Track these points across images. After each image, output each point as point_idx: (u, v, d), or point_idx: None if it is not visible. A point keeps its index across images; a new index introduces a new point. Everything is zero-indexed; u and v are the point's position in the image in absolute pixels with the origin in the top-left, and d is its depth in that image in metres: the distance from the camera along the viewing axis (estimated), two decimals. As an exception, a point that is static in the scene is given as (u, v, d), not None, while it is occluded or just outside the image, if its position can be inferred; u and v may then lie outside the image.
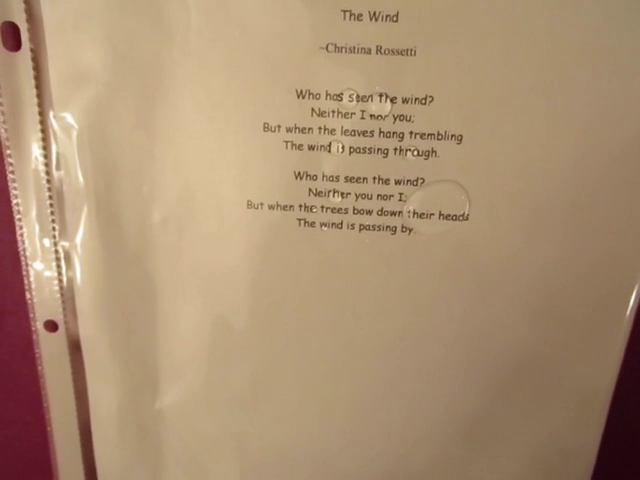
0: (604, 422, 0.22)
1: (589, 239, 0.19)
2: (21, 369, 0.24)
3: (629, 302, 0.20)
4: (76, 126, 0.19)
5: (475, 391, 0.22)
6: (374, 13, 0.17)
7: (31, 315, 0.21)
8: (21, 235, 0.20)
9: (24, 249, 0.21)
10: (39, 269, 0.21)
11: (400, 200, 0.19)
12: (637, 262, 0.20)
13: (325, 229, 0.19)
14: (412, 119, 0.18)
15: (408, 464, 0.23)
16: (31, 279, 0.21)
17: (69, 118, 0.19)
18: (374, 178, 0.19)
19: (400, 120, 0.18)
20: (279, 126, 0.18)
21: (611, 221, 0.19)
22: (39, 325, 0.21)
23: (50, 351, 0.22)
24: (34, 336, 0.22)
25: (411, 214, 0.19)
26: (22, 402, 0.25)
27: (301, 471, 0.23)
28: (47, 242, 0.21)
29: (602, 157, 0.18)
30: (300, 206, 0.19)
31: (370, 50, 0.17)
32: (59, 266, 0.21)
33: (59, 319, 0.21)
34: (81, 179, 0.19)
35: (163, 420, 0.23)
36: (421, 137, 0.18)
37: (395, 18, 0.17)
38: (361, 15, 0.17)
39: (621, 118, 0.18)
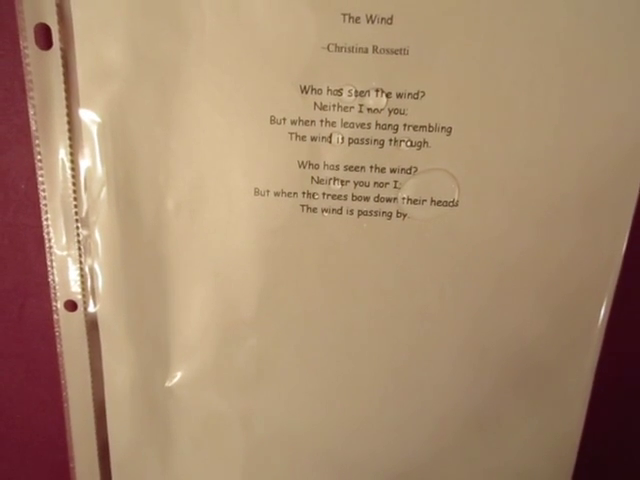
0: (585, 409, 0.23)
1: (570, 226, 0.20)
2: (41, 349, 0.26)
3: (602, 303, 0.21)
4: (99, 119, 0.20)
5: (469, 371, 0.23)
6: (371, 16, 0.18)
7: (52, 295, 0.23)
8: (46, 219, 0.22)
9: (48, 233, 0.22)
10: (61, 252, 0.22)
11: (395, 187, 0.20)
12: (614, 258, 0.21)
13: (326, 214, 0.21)
14: (406, 112, 0.19)
15: (409, 442, 0.24)
16: (53, 261, 0.23)
17: (94, 112, 0.20)
18: (371, 167, 0.20)
19: (395, 113, 0.19)
20: (284, 119, 0.20)
21: (593, 210, 0.20)
22: (59, 305, 0.23)
23: (69, 330, 0.23)
24: (54, 315, 0.23)
25: (405, 200, 0.21)
26: (40, 380, 0.26)
27: (306, 447, 0.24)
28: (69, 227, 0.22)
29: (582, 148, 0.19)
30: (303, 193, 0.21)
31: (367, 50, 0.19)
32: (80, 249, 0.22)
33: (78, 299, 0.23)
34: (102, 168, 0.21)
35: (173, 398, 0.24)
36: (414, 129, 0.20)
37: (390, 21, 0.18)
38: (359, 18, 0.18)
39: (600, 112, 0.19)
